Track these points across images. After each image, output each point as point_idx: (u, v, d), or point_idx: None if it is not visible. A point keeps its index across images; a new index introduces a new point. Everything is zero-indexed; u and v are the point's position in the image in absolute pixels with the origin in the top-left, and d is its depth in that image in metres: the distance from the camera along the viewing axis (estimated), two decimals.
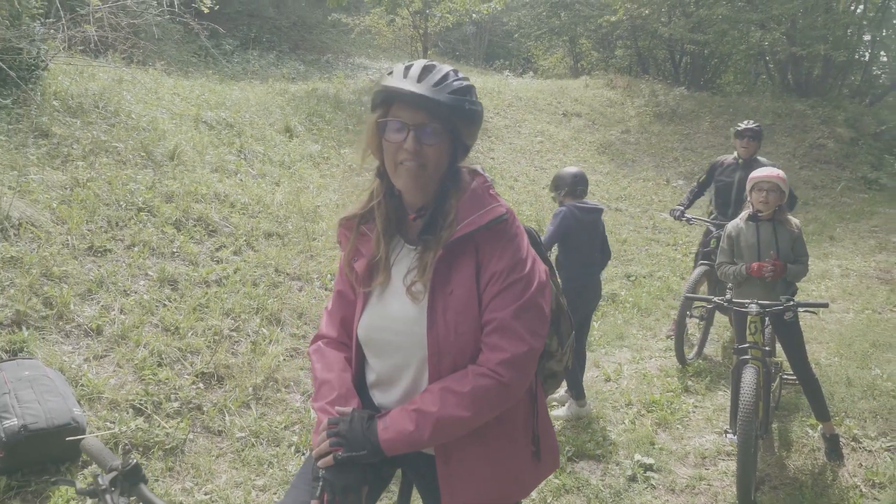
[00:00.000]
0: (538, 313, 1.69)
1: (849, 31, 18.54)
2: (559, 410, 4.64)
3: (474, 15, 15.54)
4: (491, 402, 1.64)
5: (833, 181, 14.29)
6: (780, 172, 4.17)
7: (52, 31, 7.65)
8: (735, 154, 6.04)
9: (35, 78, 6.48)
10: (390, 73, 1.69)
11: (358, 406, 1.76)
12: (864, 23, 19.08)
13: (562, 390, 4.74)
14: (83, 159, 5.86)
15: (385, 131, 1.67)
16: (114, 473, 1.50)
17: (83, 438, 1.68)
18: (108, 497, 1.47)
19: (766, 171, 4.19)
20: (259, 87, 11.80)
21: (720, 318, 6.50)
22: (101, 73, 8.16)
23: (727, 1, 18.66)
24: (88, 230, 5.00)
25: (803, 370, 4.18)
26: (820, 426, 4.32)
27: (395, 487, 2.25)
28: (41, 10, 7.23)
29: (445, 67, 1.70)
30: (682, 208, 6.23)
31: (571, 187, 4.57)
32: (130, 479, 1.48)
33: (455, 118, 1.65)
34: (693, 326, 6.34)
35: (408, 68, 1.67)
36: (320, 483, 1.64)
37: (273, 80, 13.05)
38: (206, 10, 9.00)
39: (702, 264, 5.86)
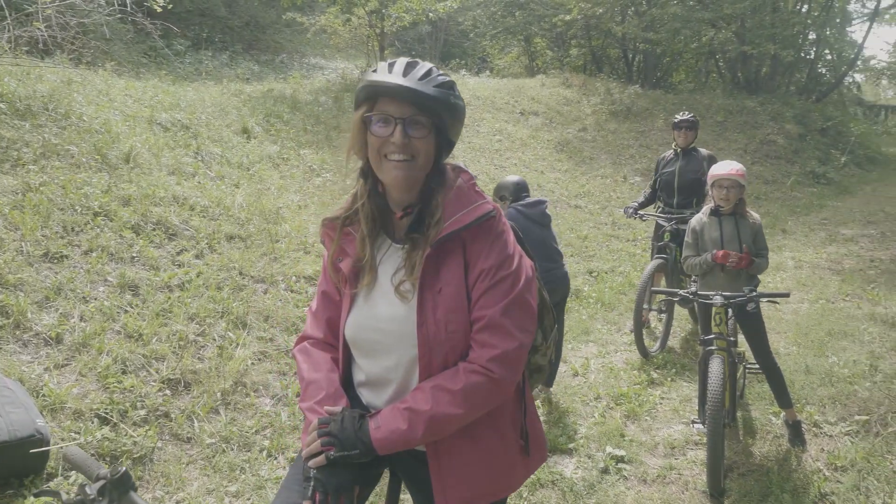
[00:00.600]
0: (526, 309, 1.69)
1: (794, 29, 19.10)
2: None
3: (431, 14, 15.52)
4: (483, 398, 1.65)
5: (783, 176, 14.70)
6: (739, 168, 4.24)
7: None
8: (674, 145, 6.35)
9: None
10: (374, 69, 1.69)
11: (347, 405, 1.75)
12: (809, 21, 19.68)
13: None
14: (34, 163, 5.67)
15: (371, 126, 1.66)
16: (102, 482, 1.44)
17: (66, 447, 1.62)
18: None
19: (724, 169, 4.24)
20: (213, 87, 11.60)
21: (681, 311, 6.63)
22: (49, 74, 7.91)
23: (679, 0, 19.05)
24: (43, 236, 4.84)
25: (766, 359, 4.28)
26: (782, 413, 4.43)
27: (381, 489, 2.23)
28: None
29: (427, 64, 1.70)
30: (636, 205, 6.39)
31: (515, 194, 4.63)
32: (120, 487, 1.42)
33: (441, 111, 1.65)
34: (655, 319, 6.46)
35: (391, 64, 1.67)
36: (311, 483, 1.62)
37: (227, 81, 12.85)
38: (158, 10, 8.79)
39: (656, 258, 5.96)
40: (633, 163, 13.74)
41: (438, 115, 1.65)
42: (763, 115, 17.09)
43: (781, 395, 4.29)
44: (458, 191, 1.72)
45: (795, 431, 4.28)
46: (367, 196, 1.75)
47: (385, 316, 1.73)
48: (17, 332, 3.96)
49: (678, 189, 6.17)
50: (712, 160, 5.92)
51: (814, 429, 4.45)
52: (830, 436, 4.36)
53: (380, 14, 14.61)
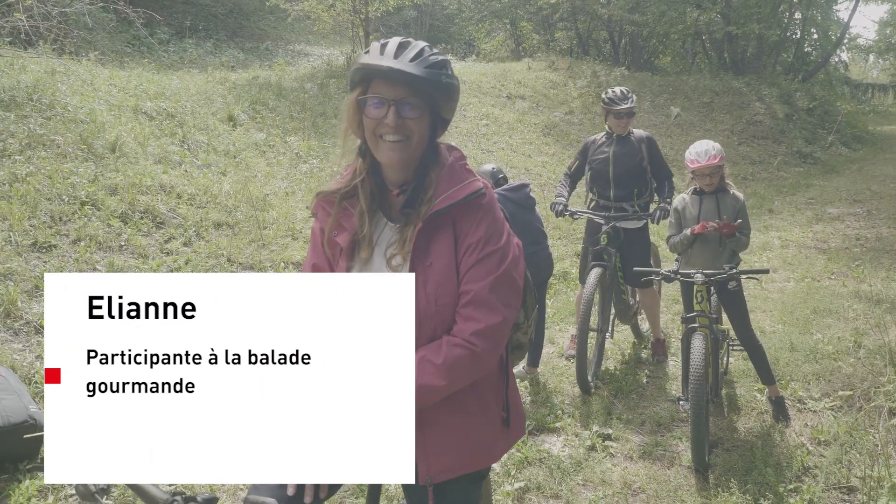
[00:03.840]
0: (512, 285, 1.75)
1: (780, 9, 19.14)
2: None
3: None
4: (465, 371, 1.70)
5: (770, 156, 14.78)
6: (715, 153, 4.11)
7: None
8: (607, 128, 5.29)
9: None
10: (367, 51, 1.72)
11: None
12: (795, 1, 19.71)
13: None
14: (20, 153, 5.66)
15: (365, 108, 1.70)
16: None
17: None
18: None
19: (702, 160, 4.06)
20: (198, 76, 11.53)
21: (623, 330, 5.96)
22: (32, 64, 7.86)
23: None
24: (31, 226, 4.85)
25: (747, 336, 4.35)
26: (766, 390, 4.50)
27: None
28: None
29: (420, 43, 1.73)
30: (564, 200, 5.22)
31: (494, 181, 4.69)
32: None
33: (433, 91, 1.70)
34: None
35: (383, 45, 1.70)
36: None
37: (212, 69, 12.76)
38: None
39: (595, 265, 4.92)
40: None
41: (431, 96, 1.70)
42: (749, 95, 17.15)
43: (764, 371, 4.36)
44: (450, 168, 1.78)
45: (779, 407, 4.35)
46: (366, 173, 1.80)
47: None
48: (8, 321, 3.98)
49: (614, 180, 5.12)
50: (651, 143, 5.23)
51: (798, 404, 4.53)
52: (814, 411, 4.44)
53: None
